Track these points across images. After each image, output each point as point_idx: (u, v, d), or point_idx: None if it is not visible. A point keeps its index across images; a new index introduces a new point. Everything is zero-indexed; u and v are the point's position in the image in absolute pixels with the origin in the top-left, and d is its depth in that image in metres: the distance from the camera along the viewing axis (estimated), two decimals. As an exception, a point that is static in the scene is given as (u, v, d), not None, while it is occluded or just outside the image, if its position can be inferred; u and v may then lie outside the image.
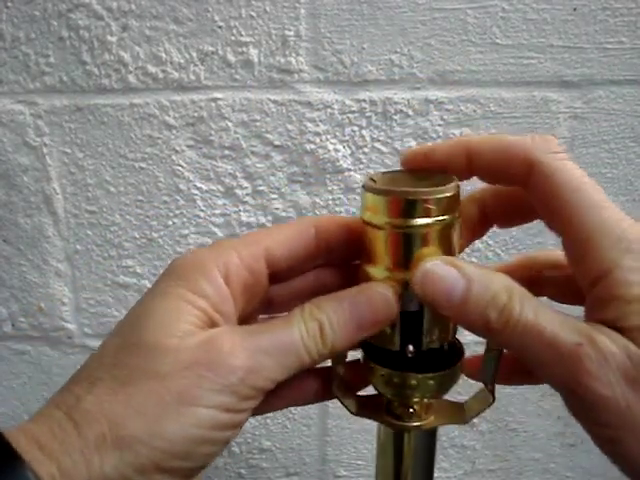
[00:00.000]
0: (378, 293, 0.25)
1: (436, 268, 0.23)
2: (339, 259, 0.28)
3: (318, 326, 0.24)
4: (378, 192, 0.24)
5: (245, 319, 0.26)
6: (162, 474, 0.21)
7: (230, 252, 0.25)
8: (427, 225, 0.24)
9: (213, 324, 0.24)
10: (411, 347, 0.25)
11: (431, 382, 0.26)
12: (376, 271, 0.25)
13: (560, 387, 0.22)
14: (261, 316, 0.29)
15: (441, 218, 0.24)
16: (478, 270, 0.23)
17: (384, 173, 0.27)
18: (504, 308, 0.22)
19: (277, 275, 0.27)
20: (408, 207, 0.23)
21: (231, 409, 0.22)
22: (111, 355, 0.23)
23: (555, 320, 0.21)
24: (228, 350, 0.22)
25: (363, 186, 0.25)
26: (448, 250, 0.24)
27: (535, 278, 0.29)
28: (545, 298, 0.29)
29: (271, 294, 0.28)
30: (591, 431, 0.22)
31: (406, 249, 0.24)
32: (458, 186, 0.25)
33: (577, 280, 0.24)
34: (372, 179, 0.26)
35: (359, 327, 0.24)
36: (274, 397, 0.25)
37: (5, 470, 0.20)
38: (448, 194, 0.24)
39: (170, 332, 0.23)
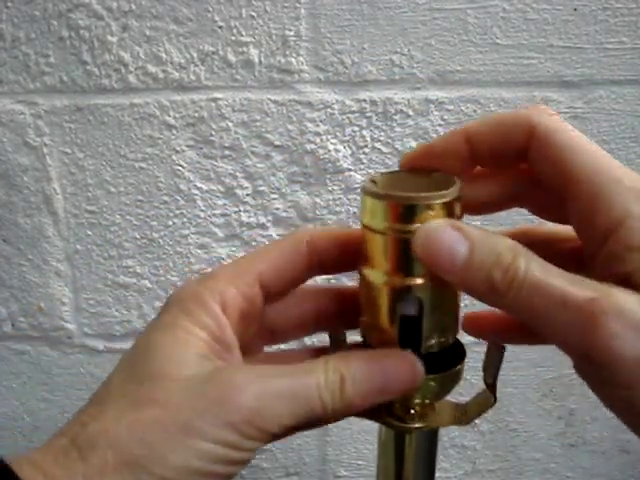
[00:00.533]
0: (408, 361, 0.24)
1: (438, 230, 0.22)
2: (333, 271, 0.28)
3: (339, 379, 0.23)
4: (378, 196, 0.24)
5: (246, 346, 0.26)
6: None
7: (225, 282, 0.25)
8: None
9: (217, 356, 0.24)
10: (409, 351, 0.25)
11: (432, 383, 0.26)
12: (374, 275, 0.25)
13: (572, 348, 0.21)
14: (266, 349, 0.29)
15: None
16: (482, 232, 0.22)
17: (384, 174, 0.26)
18: (509, 267, 0.21)
19: (271, 295, 0.27)
20: (409, 212, 0.23)
21: (234, 447, 0.22)
22: (119, 385, 0.23)
23: (564, 277, 0.20)
24: (238, 387, 0.22)
25: (362, 189, 0.25)
26: None
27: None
28: None
29: (271, 324, 0.28)
30: (602, 392, 0.21)
31: (405, 254, 0.23)
32: (461, 188, 0.24)
33: (585, 246, 0.23)
34: (372, 181, 0.25)
35: (382, 391, 0.24)
36: None
37: None
38: (450, 198, 0.23)
39: (178, 364, 0.23)
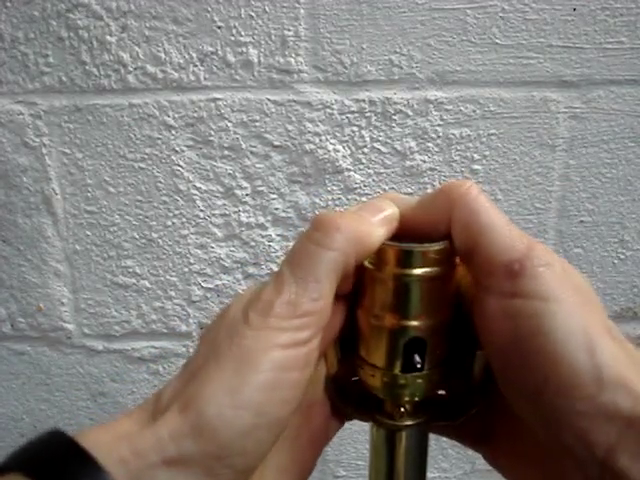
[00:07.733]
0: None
1: None
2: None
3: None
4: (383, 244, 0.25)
5: None
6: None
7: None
8: (423, 275, 0.24)
9: None
10: (417, 357, 0.25)
11: (420, 381, 0.26)
12: (364, 314, 0.25)
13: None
14: None
15: (435, 269, 0.24)
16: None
17: None
18: None
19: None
20: (406, 257, 0.24)
21: (296, 343, 0.21)
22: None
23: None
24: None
25: None
26: (439, 303, 0.25)
27: None
28: None
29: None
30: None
31: (403, 297, 0.24)
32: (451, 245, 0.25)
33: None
34: None
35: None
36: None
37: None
38: (443, 246, 0.24)
39: None
